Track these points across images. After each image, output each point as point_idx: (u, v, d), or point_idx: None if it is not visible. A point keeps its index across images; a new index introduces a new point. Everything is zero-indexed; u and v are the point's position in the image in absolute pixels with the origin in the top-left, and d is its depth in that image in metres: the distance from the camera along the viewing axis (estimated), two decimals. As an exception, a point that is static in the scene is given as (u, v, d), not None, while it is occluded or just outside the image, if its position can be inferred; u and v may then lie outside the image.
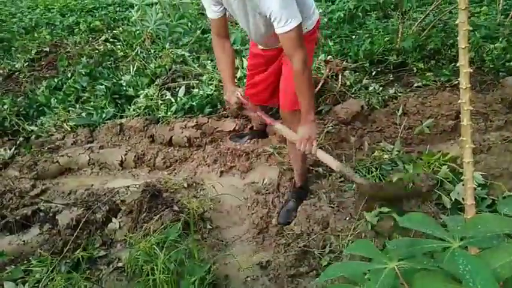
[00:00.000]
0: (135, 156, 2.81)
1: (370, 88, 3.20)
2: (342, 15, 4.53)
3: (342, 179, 2.23)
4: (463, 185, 1.97)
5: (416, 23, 3.93)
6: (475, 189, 1.87)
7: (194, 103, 3.03)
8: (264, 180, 2.46)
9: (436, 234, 0.74)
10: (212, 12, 1.81)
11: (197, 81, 3.36)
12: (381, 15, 4.66)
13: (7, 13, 6.89)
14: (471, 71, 1.19)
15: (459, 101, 1.16)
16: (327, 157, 1.79)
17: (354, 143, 2.53)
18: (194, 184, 2.49)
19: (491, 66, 3.43)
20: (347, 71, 3.33)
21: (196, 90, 3.18)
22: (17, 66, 4.52)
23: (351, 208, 1.94)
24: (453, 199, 1.92)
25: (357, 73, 3.49)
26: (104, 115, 3.22)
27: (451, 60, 3.59)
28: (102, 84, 3.50)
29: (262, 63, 2.16)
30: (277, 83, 2.10)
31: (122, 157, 2.82)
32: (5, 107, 3.41)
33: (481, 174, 1.96)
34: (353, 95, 3.14)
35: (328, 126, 2.82)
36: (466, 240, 0.74)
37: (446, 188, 1.99)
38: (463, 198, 1.89)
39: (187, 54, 3.84)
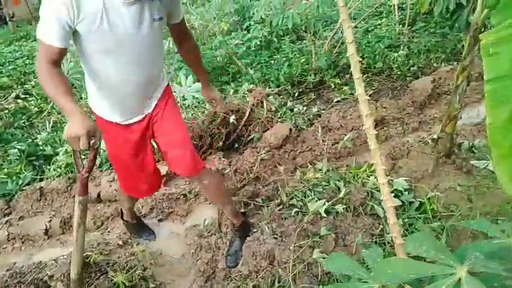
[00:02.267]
0: (61, 221, 2.57)
1: (295, 110, 3.31)
2: (259, 42, 4.70)
3: (281, 206, 2.23)
4: (391, 191, 2.07)
5: (326, 42, 4.18)
6: (401, 194, 1.96)
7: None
8: (205, 221, 2.37)
9: (358, 275, 0.74)
10: (61, 40, 1.36)
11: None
12: (294, 38, 4.90)
13: None
14: (368, 98, 1.26)
15: (363, 127, 1.22)
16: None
17: (286, 168, 2.56)
18: (129, 240, 2.33)
19: (398, 73, 3.74)
20: (271, 97, 3.41)
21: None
22: None
23: (293, 236, 1.93)
24: (384, 208, 1.99)
25: (281, 97, 3.60)
26: (20, 181, 2.93)
27: (363, 72, 3.86)
28: (14, 148, 3.20)
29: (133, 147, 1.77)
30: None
31: (46, 225, 2.56)
32: None
33: (405, 179, 2.07)
34: (280, 119, 3.21)
35: (262, 154, 2.84)
36: (378, 280, 0.75)
37: (376, 198, 2.07)
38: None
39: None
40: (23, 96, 4.69)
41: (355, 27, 4.57)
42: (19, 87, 5.07)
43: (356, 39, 4.41)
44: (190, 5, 4.19)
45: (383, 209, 2.00)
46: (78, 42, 1.45)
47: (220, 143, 3.07)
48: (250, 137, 3.09)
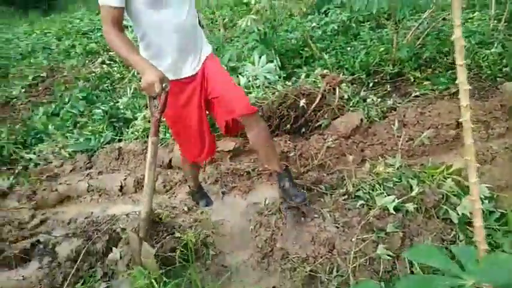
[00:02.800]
0: (134, 180, 2.78)
1: (368, 100, 3.18)
2: (336, 27, 4.57)
3: (346, 196, 2.19)
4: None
5: (410, 32, 3.93)
6: (481, 202, 1.83)
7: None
8: (266, 200, 2.41)
9: (448, 270, 0.71)
10: (118, 1, 1.59)
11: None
12: (374, 26, 4.67)
13: (3, 39, 6.94)
14: (470, 88, 1.17)
15: (460, 119, 1.14)
16: None
17: (355, 159, 2.49)
18: (194, 208, 2.45)
19: (488, 72, 3.42)
20: (344, 84, 3.31)
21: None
22: (14, 93, 4.52)
23: (357, 228, 1.90)
24: (460, 214, 1.87)
25: (354, 85, 3.48)
26: (102, 140, 3.20)
27: (447, 67, 3.59)
28: (99, 108, 3.48)
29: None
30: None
31: (121, 182, 2.79)
32: (2, 135, 3.39)
33: (487, 187, 1.92)
34: (351, 108, 3.12)
35: (328, 141, 2.79)
36: (480, 278, 0.71)
37: (452, 202, 1.95)
38: (470, 213, 1.85)
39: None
40: (108, 62, 5.07)
41: (444, 19, 4.23)
42: (105, 53, 5.47)
43: (444, 32, 4.10)
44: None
45: (458, 214, 1.88)
46: (129, 5, 1.65)
47: (288, 126, 3.07)
48: (318, 123, 3.05)
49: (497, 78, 3.39)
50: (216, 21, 5.62)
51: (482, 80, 3.41)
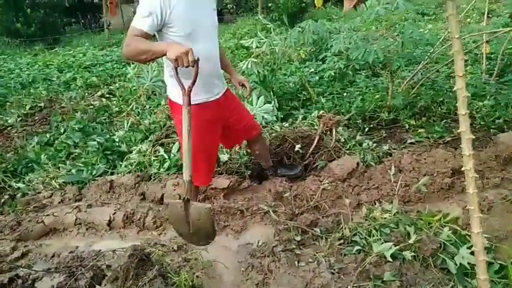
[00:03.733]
0: (124, 215, 2.69)
1: (364, 144, 3.20)
2: (333, 73, 4.70)
3: (342, 241, 2.13)
4: (467, 248, 1.89)
5: (405, 82, 4.05)
6: (480, 253, 1.78)
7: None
8: (259, 242, 2.34)
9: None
10: (151, 27, 1.74)
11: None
12: (370, 74, 4.82)
13: (6, 69, 7.03)
14: (473, 137, 1.18)
15: (463, 168, 1.13)
16: None
17: (351, 202, 2.46)
18: (184, 246, 2.36)
19: (481, 123, 3.49)
20: (340, 127, 3.35)
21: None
22: (9, 121, 4.50)
23: (353, 275, 1.83)
24: (458, 263, 1.82)
25: (350, 129, 3.52)
26: (94, 172, 3.15)
27: (441, 117, 3.66)
28: (94, 140, 3.46)
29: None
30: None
31: (110, 216, 2.70)
32: (-8, 163, 3.33)
33: (485, 237, 1.88)
34: (348, 151, 3.13)
35: (324, 183, 2.77)
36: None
37: (449, 252, 1.90)
38: (468, 263, 1.80)
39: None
40: (107, 95, 5.12)
41: (437, 71, 4.39)
42: (105, 87, 5.55)
43: (438, 83, 4.24)
44: (275, 30, 4.34)
45: (456, 264, 1.83)
46: (164, 32, 1.82)
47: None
48: (315, 165, 3.05)
49: (491, 129, 3.45)
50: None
51: (476, 131, 3.47)
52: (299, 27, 5.79)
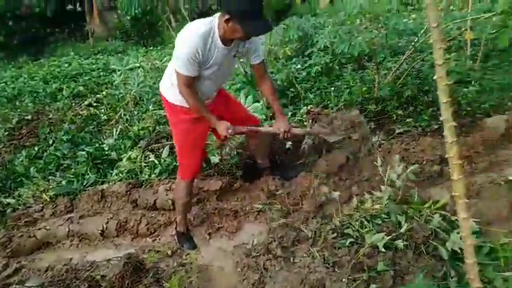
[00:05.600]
0: (117, 223, 2.68)
1: (353, 137, 3.21)
2: (320, 69, 4.71)
3: (335, 234, 2.14)
4: (457, 233, 1.91)
5: (391, 73, 4.08)
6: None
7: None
8: (254, 241, 2.34)
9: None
10: (195, 71, 2.03)
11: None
12: (356, 67, 4.84)
13: (-11, 84, 6.93)
14: (456, 124, 1.19)
15: (446, 155, 1.14)
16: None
17: (341, 195, 2.47)
18: (179, 251, 2.36)
19: (467, 109, 3.52)
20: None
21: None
22: (-4, 136, 4.44)
23: (347, 267, 1.83)
24: (450, 249, 1.84)
25: (339, 123, 3.53)
26: (84, 182, 3.12)
27: (428, 105, 3.69)
28: (83, 150, 3.43)
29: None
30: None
31: (103, 226, 2.69)
32: (-19, 180, 3.28)
33: (474, 221, 1.90)
34: (337, 145, 3.13)
35: (316, 179, 2.78)
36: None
37: (441, 238, 1.92)
38: (460, 248, 1.82)
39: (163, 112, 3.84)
40: (94, 104, 5.08)
41: (422, 60, 4.42)
42: (92, 95, 5.50)
43: (423, 72, 4.27)
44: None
45: (447, 250, 1.84)
46: None
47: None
48: (307, 161, 3.05)
49: (477, 115, 3.48)
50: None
51: (462, 117, 3.50)
52: (284, 24, 5.82)
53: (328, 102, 3.95)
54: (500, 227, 1.93)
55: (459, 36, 4.82)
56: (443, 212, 2.02)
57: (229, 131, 2.20)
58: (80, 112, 4.85)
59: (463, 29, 4.49)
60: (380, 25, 3.96)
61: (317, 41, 4.99)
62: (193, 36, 1.94)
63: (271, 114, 3.81)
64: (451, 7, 8.83)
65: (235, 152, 2.98)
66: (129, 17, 10.41)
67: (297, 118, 3.63)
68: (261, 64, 2.33)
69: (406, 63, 4.30)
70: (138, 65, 5.67)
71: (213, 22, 2.00)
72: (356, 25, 4.83)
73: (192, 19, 2.32)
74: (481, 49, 4.26)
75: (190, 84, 2.07)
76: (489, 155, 2.95)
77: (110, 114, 4.59)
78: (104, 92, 5.46)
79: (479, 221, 1.94)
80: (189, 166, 2.39)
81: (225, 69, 2.22)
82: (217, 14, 2.02)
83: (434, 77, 3.76)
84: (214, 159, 2.96)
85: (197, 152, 2.39)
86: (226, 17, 1.91)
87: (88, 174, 3.22)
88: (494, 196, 2.12)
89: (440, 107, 1.07)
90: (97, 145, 3.61)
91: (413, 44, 4.02)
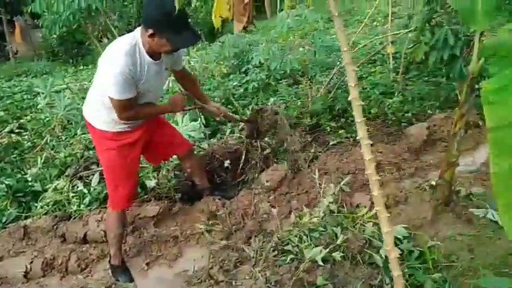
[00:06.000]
0: (43, 262, 2.43)
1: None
2: (256, 84, 4.79)
3: (276, 252, 2.13)
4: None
5: (322, 87, 4.25)
6: (401, 242, 1.89)
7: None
8: (195, 267, 2.26)
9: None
10: (132, 91, 1.93)
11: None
12: (291, 82, 4.99)
13: None
14: (371, 142, 1.23)
15: (366, 172, 1.18)
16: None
17: (280, 211, 2.49)
18: (113, 286, 2.19)
19: (393, 118, 3.77)
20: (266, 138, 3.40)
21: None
22: None
23: (288, 285, 1.83)
24: (383, 256, 1.91)
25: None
26: (4, 219, 2.81)
27: (358, 116, 3.89)
28: (2, 183, 3.10)
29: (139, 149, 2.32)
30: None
31: (26, 266, 2.42)
32: None
33: (404, 227, 2.01)
34: (276, 160, 3.18)
35: (257, 196, 2.77)
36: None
37: (375, 246, 1.99)
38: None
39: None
40: (17, 130, 4.65)
41: (351, 73, 4.68)
42: (14, 121, 5.03)
43: (351, 84, 4.51)
44: (192, 48, 4.31)
45: (382, 257, 1.92)
46: None
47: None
48: (246, 178, 3.05)
49: (402, 123, 3.75)
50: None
51: (389, 126, 3.75)
52: (219, 41, 5.85)
53: (266, 117, 4.01)
54: (427, 230, 2.05)
55: (382, 50, 5.20)
56: (375, 220, 2.11)
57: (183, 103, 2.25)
58: (0, 140, 4.41)
59: (385, 44, 4.86)
60: (309, 42, 4.14)
61: (252, 58, 5.09)
62: (120, 57, 1.82)
63: (209, 133, 3.77)
64: (375, 23, 9.55)
65: (172, 175, 2.88)
66: (55, 35, 9.81)
67: (236, 135, 3.62)
68: (183, 68, 2.38)
69: (336, 78, 4.52)
70: (64, 86, 5.32)
71: (136, 38, 1.89)
72: (289, 42, 5.01)
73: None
74: (402, 62, 4.62)
75: (131, 106, 1.96)
76: (414, 160, 3.18)
77: (35, 140, 4.23)
78: (28, 117, 5.03)
79: (408, 227, 2.05)
80: (120, 196, 2.23)
81: (158, 84, 2.16)
82: (138, 30, 1.91)
83: (362, 89, 3.98)
84: (150, 183, 2.83)
85: (128, 180, 2.24)
86: (150, 32, 1.81)
87: (8, 209, 2.91)
88: (420, 202, 2.26)
89: (357, 126, 1.11)
90: (19, 176, 3.28)
91: (340, 59, 4.25)
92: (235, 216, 2.64)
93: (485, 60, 1.69)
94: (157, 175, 2.89)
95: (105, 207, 2.73)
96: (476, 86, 1.79)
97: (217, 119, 2.54)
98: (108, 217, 2.31)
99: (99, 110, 2.07)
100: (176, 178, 2.92)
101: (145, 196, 2.84)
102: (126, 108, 1.95)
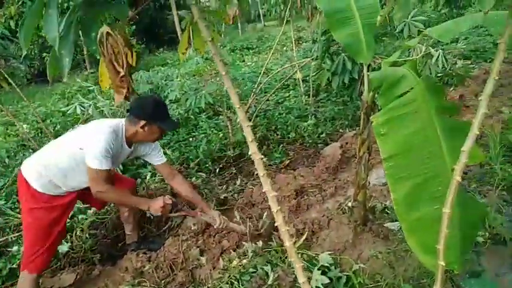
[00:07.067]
0: None
1: (216, 189, 3.24)
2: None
3: None
4: (318, 269, 2.02)
5: (241, 117, 4.31)
6: (328, 270, 1.92)
7: (15, 265, 2.45)
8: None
9: None
10: (109, 163, 2.09)
11: (18, 234, 2.78)
12: (211, 114, 4.99)
13: None
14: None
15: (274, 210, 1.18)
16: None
17: (208, 258, 2.40)
18: None
19: (310, 141, 3.95)
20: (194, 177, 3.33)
21: (16, 247, 2.60)
22: None
23: None
24: (314, 287, 1.93)
25: (200, 173, 3.52)
26: None
27: (278, 142, 4.01)
28: None
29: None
30: None
31: None
32: None
33: (329, 253, 2.05)
34: (203, 201, 3.09)
35: (184, 243, 2.65)
36: None
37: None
38: (322, 284, 1.93)
39: (1, 202, 3.22)
40: None
41: (267, 100, 4.84)
42: None
43: (269, 111, 4.66)
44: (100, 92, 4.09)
45: (313, 288, 1.93)
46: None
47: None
48: (172, 224, 2.91)
49: (318, 145, 3.94)
50: (42, 131, 5.09)
51: (307, 148, 3.91)
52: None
53: (188, 154, 3.92)
54: (351, 253, 2.13)
55: (293, 76, 5.49)
56: (303, 251, 2.13)
57: (168, 203, 2.25)
58: None
59: (295, 70, 5.13)
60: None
61: (168, 93, 5.01)
62: (107, 133, 2.09)
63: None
64: (285, 48, 10.12)
65: (87, 235, 2.63)
66: None
67: (157, 177, 3.46)
68: (166, 163, 2.51)
69: (254, 106, 4.63)
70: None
71: (120, 125, 2.21)
72: (203, 75, 5.03)
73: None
74: (311, 86, 4.91)
75: (107, 178, 2.12)
76: (333, 180, 3.33)
77: None
78: None
79: (333, 252, 2.11)
80: (42, 257, 2.15)
81: (118, 164, 2.52)
82: (124, 120, 2.24)
83: (279, 115, 4.08)
84: (63, 248, 2.53)
85: (53, 238, 2.19)
86: (142, 123, 2.16)
87: None
88: (340, 224, 2.35)
89: (255, 163, 1.13)
90: None
91: (253, 89, 4.36)
92: (162, 269, 2.48)
93: (374, 91, 1.84)
94: (70, 238, 2.61)
95: (10, 284, 2.40)
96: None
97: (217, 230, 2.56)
98: (24, 281, 2.13)
99: (42, 175, 2.12)
100: (92, 238, 2.67)
101: (58, 264, 2.54)
102: (103, 178, 2.09)
